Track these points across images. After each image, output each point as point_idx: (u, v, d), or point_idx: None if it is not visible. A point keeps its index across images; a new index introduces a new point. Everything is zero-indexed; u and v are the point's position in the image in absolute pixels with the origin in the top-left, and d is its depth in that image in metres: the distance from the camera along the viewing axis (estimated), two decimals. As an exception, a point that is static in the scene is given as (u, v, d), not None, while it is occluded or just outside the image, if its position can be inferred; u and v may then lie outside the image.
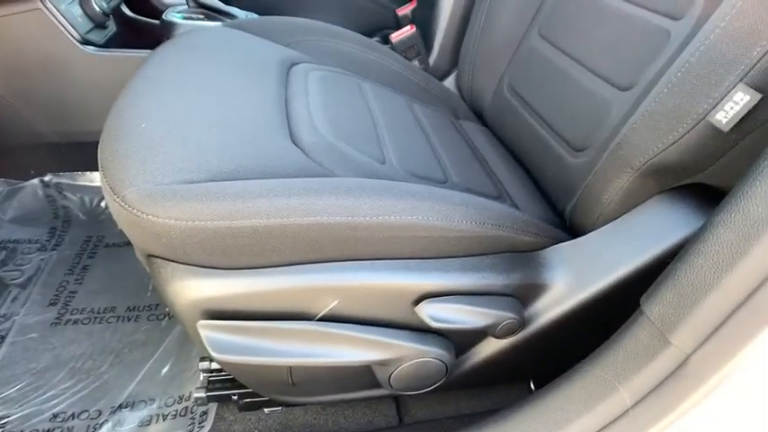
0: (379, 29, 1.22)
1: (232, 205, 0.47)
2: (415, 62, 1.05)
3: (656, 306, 0.44)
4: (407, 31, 1.03)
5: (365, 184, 0.53)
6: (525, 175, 0.82)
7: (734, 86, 0.46)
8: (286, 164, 0.56)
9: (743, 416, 0.39)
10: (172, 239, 0.48)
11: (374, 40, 1.20)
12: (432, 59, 1.04)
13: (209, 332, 0.51)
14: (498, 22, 0.89)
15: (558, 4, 0.79)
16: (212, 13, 1.08)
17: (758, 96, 0.44)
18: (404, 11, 1.13)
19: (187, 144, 0.54)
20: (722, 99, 0.47)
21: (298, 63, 0.83)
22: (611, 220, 0.61)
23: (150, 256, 0.53)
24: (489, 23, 0.91)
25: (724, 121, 0.46)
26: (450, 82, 1.05)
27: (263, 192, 0.49)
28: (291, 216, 0.48)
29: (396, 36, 1.04)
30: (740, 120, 0.46)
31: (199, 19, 1.07)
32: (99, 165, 0.53)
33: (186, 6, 1.11)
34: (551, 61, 0.77)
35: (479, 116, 0.99)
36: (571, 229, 0.69)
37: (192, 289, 0.51)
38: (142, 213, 0.47)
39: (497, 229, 0.57)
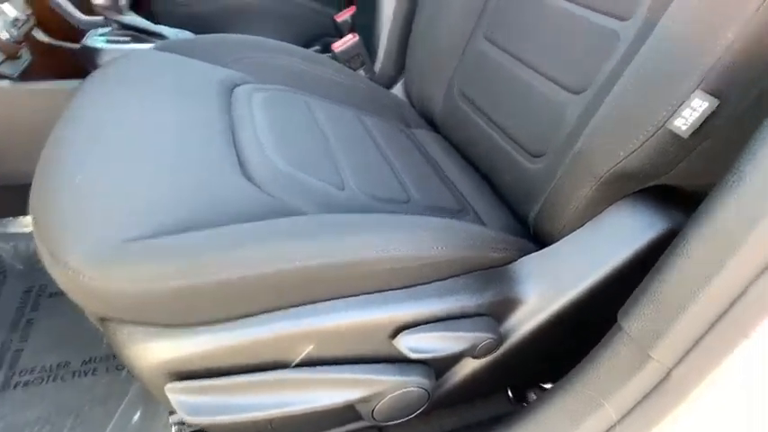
0: (318, 36, 1.18)
1: (191, 262, 0.44)
2: (361, 71, 1.03)
3: (634, 321, 0.45)
4: (350, 39, 1.00)
5: (334, 222, 0.51)
6: (484, 182, 0.82)
7: (691, 93, 0.46)
8: (243, 206, 0.53)
9: (726, 427, 0.40)
10: (127, 303, 0.45)
11: (315, 49, 1.16)
12: (377, 67, 1.02)
13: (179, 396, 0.48)
14: (441, 25, 0.88)
15: (501, 6, 0.78)
16: (139, 34, 1.00)
17: (716, 102, 0.45)
18: (343, 17, 1.10)
19: (131, 196, 0.50)
20: (680, 106, 0.47)
21: (239, 84, 0.79)
22: (577, 227, 0.61)
23: (103, 318, 0.49)
24: (432, 28, 0.89)
25: (683, 128, 0.47)
26: (398, 89, 1.03)
27: (224, 244, 0.46)
28: (259, 267, 0.45)
29: (338, 46, 1.01)
30: (700, 125, 0.47)
31: (125, 41, 1.00)
32: (33, 228, 0.49)
33: (109, 28, 1.03)
34: (500, 64, 0.77)
35: (431, 122, 0.98)
36: (536, 236, 0.69)
37: (153, 352, 0.47)
38: (91, 279, 0.43)
39: (466, 250, 0.56)
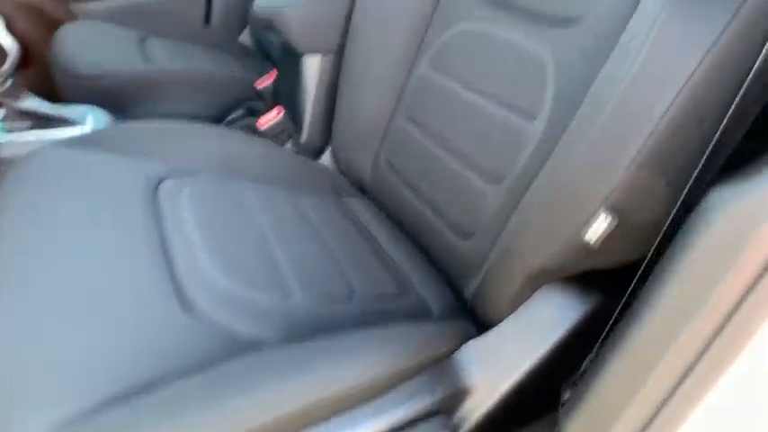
0: (241, 101, 1.15)
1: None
2: (288, 145, 1.02)
3: (573, 427, 0.49)
4: (275, 116, 0.99)
5: (272, 367, 0.51)
6: (422, 254, 0.84)
7: (596, 210, 0.51)
8: (190, 348, 0.51)
9: None
10: None
11: (238, 114, 1.14)
12: (303, 138, 1.01)
13: None
14: (363, 103, 0.89)
15: (419, 90, 0.81)
16: (38, 119, 0.93)
17: (617, 219, 0.50)
18: (263, 84, 1.08)
19: (55, 363, 0.47)
20: (588, 220, 0.52)
21: (164, 179, 0.76)
22: (513, 310, 0.65)
23: None
24: (354, 105, 0.91)
25: (592, 240, 0.52)
26: (326, 158, 1.03)
27: (167, 411, 0.45)
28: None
29: (263, 123, 0.99)
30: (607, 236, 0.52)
31: (24, 128, 0.92)
32: None
33: (3, 111, 0.95)
34: (422, 144, 0.80)
35: (361, 189, 0.99)
36: (474, 312, 0.72)
37: None
38: None
39: (411, 358, 0.59)
